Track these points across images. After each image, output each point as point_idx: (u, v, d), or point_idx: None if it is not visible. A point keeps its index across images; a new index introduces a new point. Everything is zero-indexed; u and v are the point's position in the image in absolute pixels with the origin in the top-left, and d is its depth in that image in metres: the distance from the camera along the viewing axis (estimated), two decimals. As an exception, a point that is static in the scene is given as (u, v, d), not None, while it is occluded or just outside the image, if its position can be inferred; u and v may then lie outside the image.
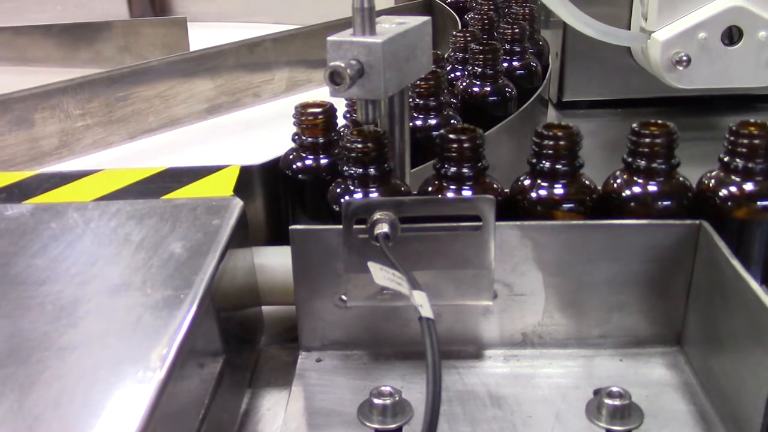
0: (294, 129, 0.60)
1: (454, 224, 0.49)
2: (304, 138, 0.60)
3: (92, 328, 0.39)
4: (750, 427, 0.41)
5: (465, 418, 0.47)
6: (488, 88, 0.76)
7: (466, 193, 0.53)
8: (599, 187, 0.54)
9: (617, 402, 0.45)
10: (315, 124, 0.59)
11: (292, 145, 0.61)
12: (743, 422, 0.42)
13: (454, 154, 0.53)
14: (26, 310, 0.41)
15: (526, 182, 0.54)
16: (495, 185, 0.54)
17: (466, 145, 0.52)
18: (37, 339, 0.39)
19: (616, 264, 0.51)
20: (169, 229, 0.49)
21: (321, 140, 0.60)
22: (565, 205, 0.53)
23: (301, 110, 0.60)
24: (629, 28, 0.92)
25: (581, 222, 0.51)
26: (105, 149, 0.96)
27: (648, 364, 0.51)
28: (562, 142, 0.52)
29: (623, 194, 0.53)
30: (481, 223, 0.49)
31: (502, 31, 0.85)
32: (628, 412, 0.46)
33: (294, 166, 0.60)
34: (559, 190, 0.53)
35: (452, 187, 0.53)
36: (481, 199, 0.49)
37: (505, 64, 0.84)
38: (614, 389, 0.46)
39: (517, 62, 0.85)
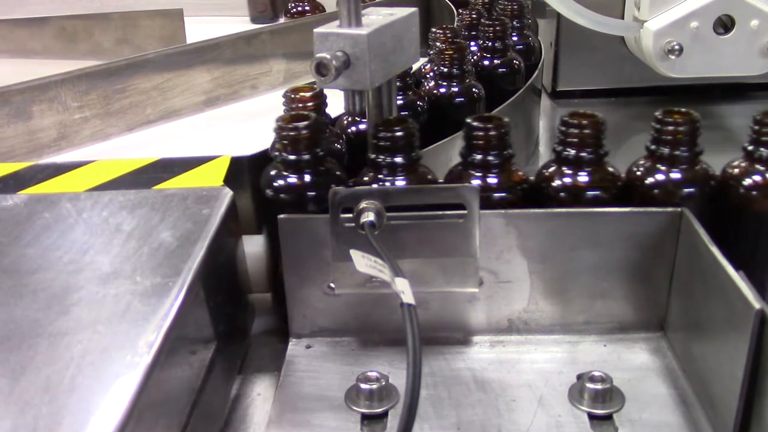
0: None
1: (439, 213, 0.50)
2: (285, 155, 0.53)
3: (82, 315, 0.40)
4: (727, 410, 0.42)
5: (450, 402, 0.48)
6: (455, 89, 0.74)
7: (492, 180, 0.53)
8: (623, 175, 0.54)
9: (599, 386, 0.47)
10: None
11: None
12: (721, 405, 0.43)
13: (480, 143, 0.53)
14: (19, 297, 0.42)
15: (551, 169, 0.54)
16: (520, 173, 0.54)
17: (492, 133, 0.53)
18: (28, 326, 0.40)
19: (599, 251, 0.51)
20: (159, 218, 0.50)
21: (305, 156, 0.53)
22: (589, 193, 0.53)
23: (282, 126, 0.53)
24: (622, 18, 0.92)
25: (564, 210, 0.52)
26: (103, 141, 0.96)
27: (631, 350, 0.52)
28: (586, 130, 0.52)
29: (646, 182, 0.53)
30: (466, 212, 0.50)
31: (483, 28, 0.84)
32: (609, 395, 0.47)
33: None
34: (583, 177, 0.53)
35: (478, 174, 0.54)
36: (465, 187, 0.49)
37: (486, 62, 0.83)
38: (596, 373, 0.47)
39: (498, 60, 0.83)
